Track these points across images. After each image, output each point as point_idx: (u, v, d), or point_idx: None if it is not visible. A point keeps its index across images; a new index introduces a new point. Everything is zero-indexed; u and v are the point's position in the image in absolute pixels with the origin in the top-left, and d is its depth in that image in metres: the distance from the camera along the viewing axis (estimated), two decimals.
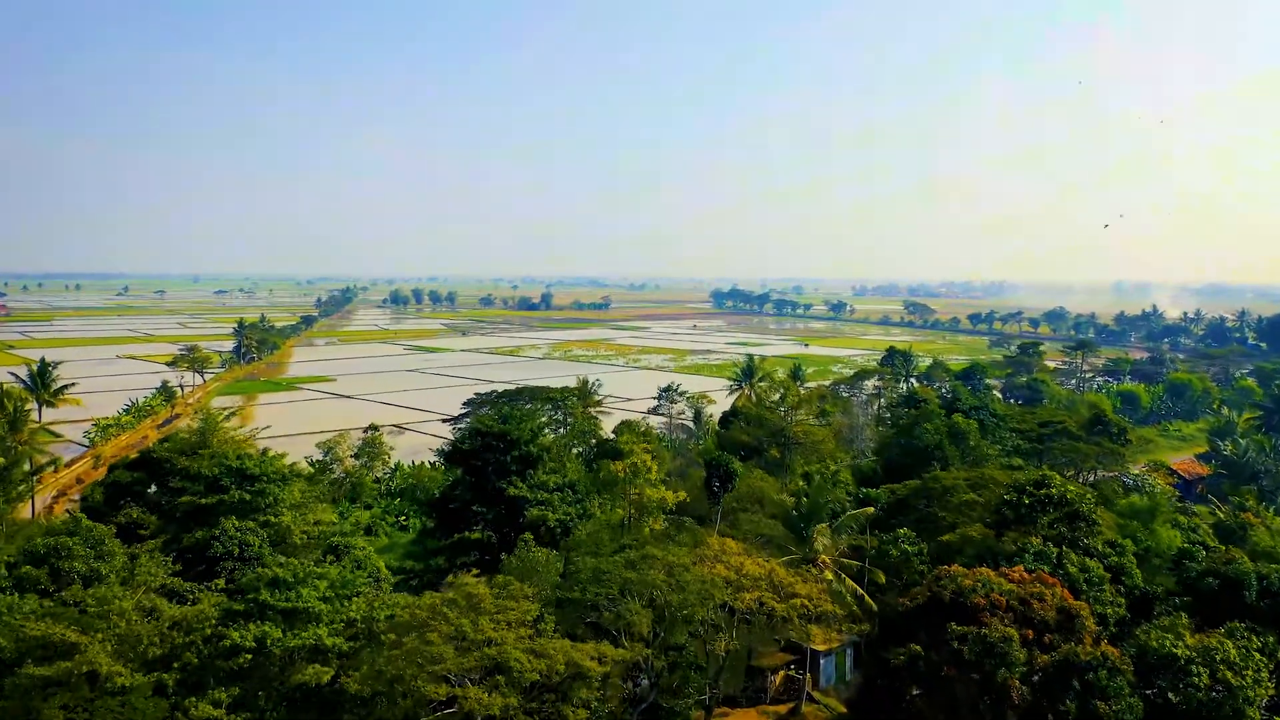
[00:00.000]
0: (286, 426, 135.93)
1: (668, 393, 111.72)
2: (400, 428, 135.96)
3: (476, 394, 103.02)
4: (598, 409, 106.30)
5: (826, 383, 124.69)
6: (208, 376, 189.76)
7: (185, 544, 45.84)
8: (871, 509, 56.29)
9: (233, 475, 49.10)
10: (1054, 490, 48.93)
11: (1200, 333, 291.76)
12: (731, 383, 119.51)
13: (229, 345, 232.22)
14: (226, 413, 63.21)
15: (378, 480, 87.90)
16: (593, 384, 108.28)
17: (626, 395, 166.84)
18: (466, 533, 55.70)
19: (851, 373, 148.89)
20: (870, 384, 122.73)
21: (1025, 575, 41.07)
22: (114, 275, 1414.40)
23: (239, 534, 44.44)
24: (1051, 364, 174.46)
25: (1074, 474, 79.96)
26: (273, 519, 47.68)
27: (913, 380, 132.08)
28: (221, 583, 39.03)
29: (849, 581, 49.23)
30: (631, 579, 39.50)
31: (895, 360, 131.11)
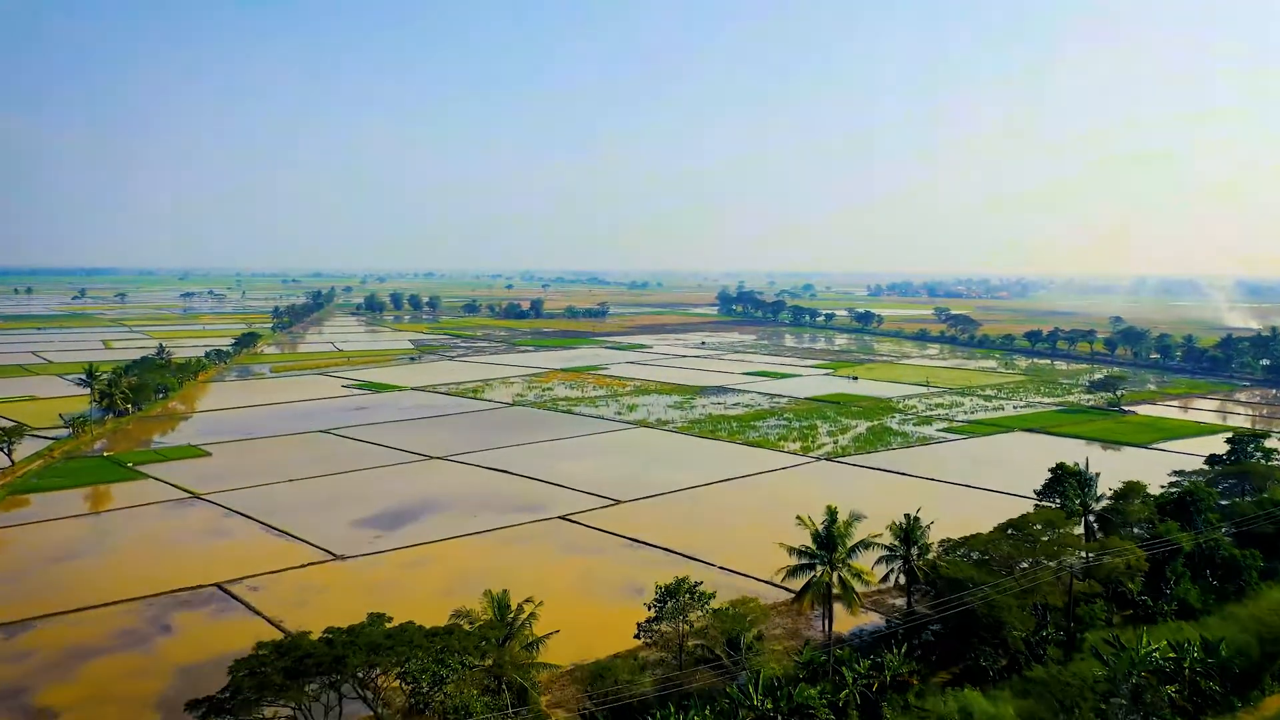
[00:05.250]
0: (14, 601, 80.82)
1: (674, 595, 57.30)
2: (222, 588, 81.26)
3: (259, 647, 47.91)
4: (531, 660, 51.58)
5: (954, 537, 69.58)
6: (34, 450, 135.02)
7: None
8: None
9: None
10: None
11: None
12: (798, 558, 63.68)
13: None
14: None
15: None
16: (522, 617, 53.26)
17: (609, 494, 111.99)
18: None
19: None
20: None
21: None
22: (104, 271, 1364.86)
23: None
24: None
25: None
26: None
27: (1092, 521, 76.96)
28: None
29: None
30: None
31: (1067, 488, 75.98)
